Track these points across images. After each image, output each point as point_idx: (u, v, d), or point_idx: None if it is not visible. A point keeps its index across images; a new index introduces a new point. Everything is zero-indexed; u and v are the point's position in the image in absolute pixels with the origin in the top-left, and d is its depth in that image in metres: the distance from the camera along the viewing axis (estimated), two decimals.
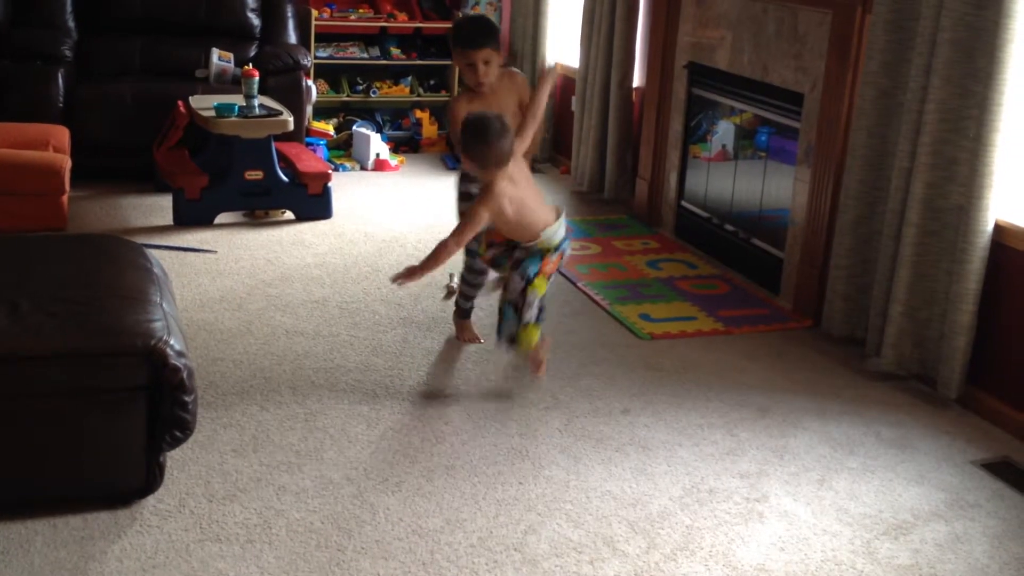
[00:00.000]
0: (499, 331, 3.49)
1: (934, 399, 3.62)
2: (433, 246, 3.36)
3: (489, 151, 3.25)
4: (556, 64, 3.33)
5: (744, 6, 4.65)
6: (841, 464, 3.17)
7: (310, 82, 6.27)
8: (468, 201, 3.66)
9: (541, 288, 3.42)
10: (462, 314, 4.01)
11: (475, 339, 3.97)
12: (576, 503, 2.89)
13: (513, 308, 3.43)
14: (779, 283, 4.53)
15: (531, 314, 3.41)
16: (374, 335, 3.97)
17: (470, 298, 3.99)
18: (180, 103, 5.48)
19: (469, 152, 3.30)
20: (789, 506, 2.92)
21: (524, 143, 3.45)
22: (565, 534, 2.74)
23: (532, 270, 3.40)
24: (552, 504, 2.87)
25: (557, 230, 3.43)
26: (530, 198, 3.38)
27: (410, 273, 3.34)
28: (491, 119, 3.28)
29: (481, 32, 3.64)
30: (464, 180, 3.85)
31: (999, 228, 3.43)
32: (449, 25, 7.06)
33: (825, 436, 3.34)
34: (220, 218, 5.25)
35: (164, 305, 2.93)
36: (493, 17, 7.10)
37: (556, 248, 3.45)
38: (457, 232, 3.32)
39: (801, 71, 4.30)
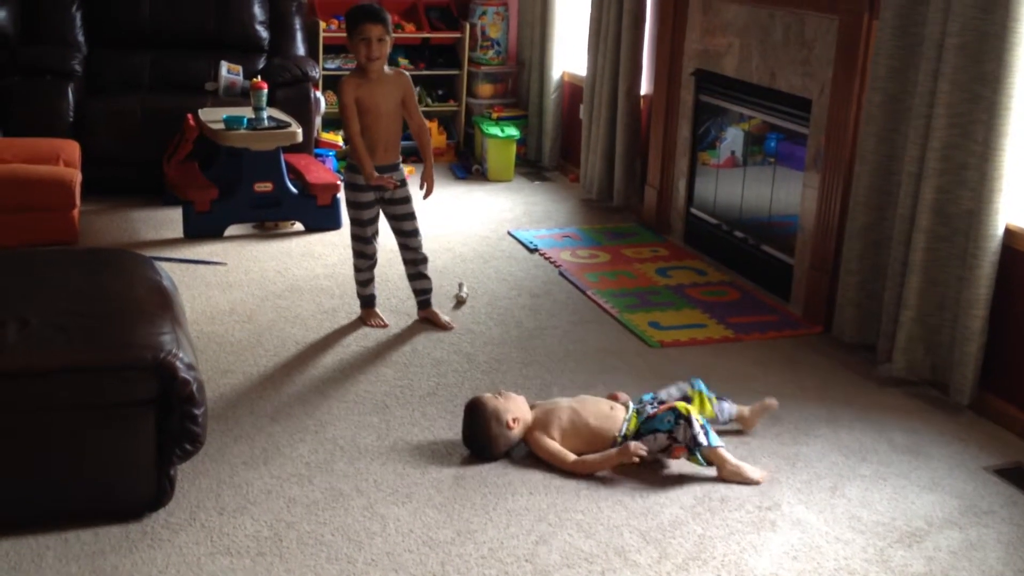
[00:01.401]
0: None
1: (946, 405, 3.60)
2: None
3: (499, 439, 3.13)
4: None
5: (751, 13, 4.65)
6: (853, 471, 3.15)
7: (319, 94, 6.28)
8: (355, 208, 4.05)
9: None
10: (366, 302, 4.22)
11: (381, 324, 4.16)
12: (587, 513, 2.88)
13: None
14: (789, 289, 4.52)
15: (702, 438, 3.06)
16: (383, 345, 3.97)
17: (367, 283, 4.19)
18: (189, 116, 5.50)
19: (492, 455, 3.15)
20: (801, 514, 2.91)
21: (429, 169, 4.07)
22: (576, 544, 2.73)
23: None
24: (563, 514, 2.87)
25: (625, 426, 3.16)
26: (585, 415, 3.16)
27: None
28: (473, 430, 3.15)
29: (375, 12, 3.87)
30: (351, 188, 4.05)
31: (1009, 232, 3.42)
32: (457, 35, 7.08)
33: (837, 443, 3.32)
34: (230, 230, 5.26)
35: (173, 318, 2.94)
36: (500, 27, 7.12)
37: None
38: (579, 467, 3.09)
39: (809, 77, 4.29)
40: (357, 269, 4.18)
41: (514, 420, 3.13)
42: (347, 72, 6.55)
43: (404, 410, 3.45)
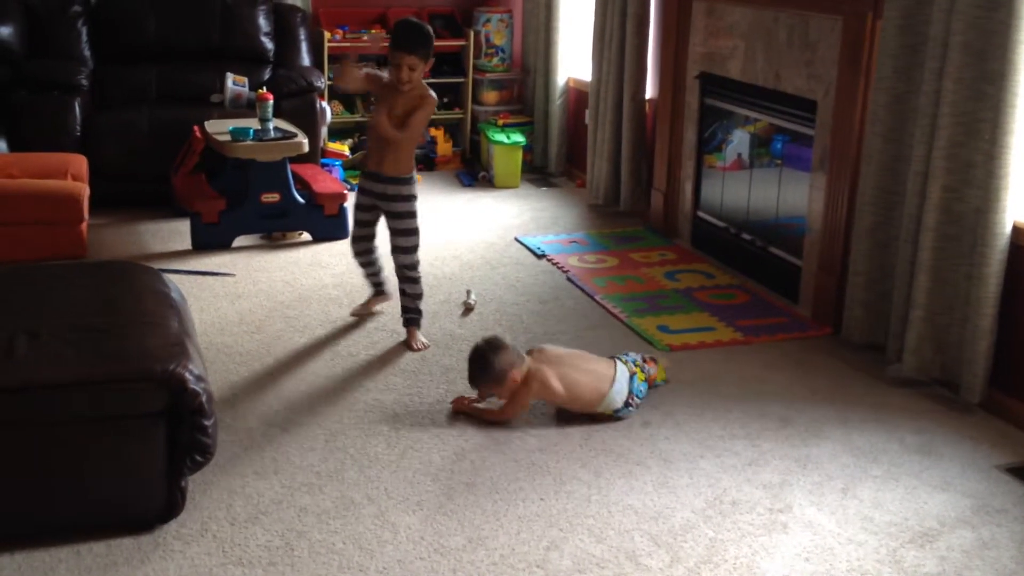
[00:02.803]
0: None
1: (957, 404, 3.59)
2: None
3: (507, 355, 3.38)
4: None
5: (755, 15, 4.65)
6: (865, 472, 3.14)
7: (324, 103, 6.30)
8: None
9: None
10: (373, 290, 4.36)
11: (366, 311, 4.35)
12: (598, 518, 2.87)
13: None
14: (798, 291, 4.51)
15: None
16: (392, 354, 3.97)
17: (368, 276, 4.32)
18: (196, 128, 5.52)
19: (488, 382, 3.41)
20: (813, 516, 2.90)
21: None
22: (587, 549, 2.73)
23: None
24: (574, 519, 2.86)
25: (614, 398, 3.42)
26: (577, 372, 3.43)
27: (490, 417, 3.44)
28: (479, 349, 3.43)
29: (411, 40, 3.80)
30: (358, 189, 4.12)
31: (1017, 230, 3.41)
32: (461, 43, 7.10)
33: (848, 444, 3.31)
34: (238, 241, 5.28)
35: (182, 330, 2.95)
36: (504, 34, 7.13)
37: (614, 415, 3.46)
38: (507, 413, 3.42)
39: (814, 78, 4.29)
40: (358, 263, 4.31)
41: (514, 379, 3.37)
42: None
43: (414, 418, 3.45)
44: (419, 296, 4.09)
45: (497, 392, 3.42)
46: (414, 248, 4.02)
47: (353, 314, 4.32)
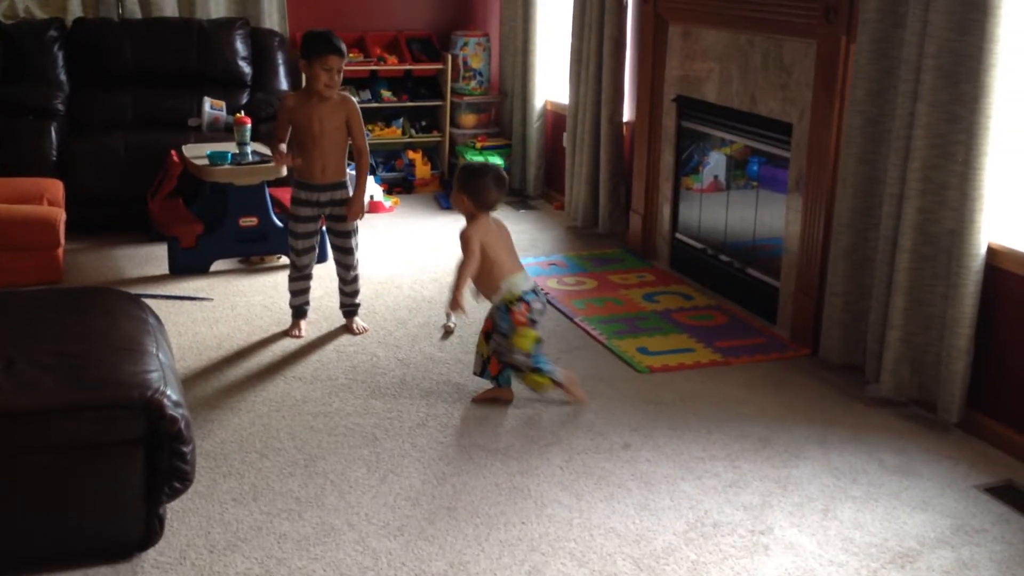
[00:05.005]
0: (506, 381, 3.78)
1: (935, 424, 3.61)
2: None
3: (488, 193, 3.62)
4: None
5: (730, 39, 4.69)
6: (845, 493, 3.15)
7: None
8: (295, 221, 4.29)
9: (523, 344, 3.61)
10: (295, 313, 4.44)
11: (296, 335, 4.37)
12: (580, 541, 2.87)
13: (512, 368, 3.71)
14: (776, 312, 4.53)
15: (524, 365, 3.65)
16: (372, 377, 3.96)
17: (297, 294, 4.43)
18: (173, 152, 5.51)
19: (471, 189, 3.61)
20: (794, 537, 2.90)
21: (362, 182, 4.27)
22: (570, 574, 2.72)
23: (504, 326, 3.63)
24: (556, 543, 2.86)
25: (520, 282, 3.66)
26: (501, 245, 3.69)
27: (454, 302, 3.59)
28: (494, 170, 3.67)
29: (341, 47, 4.09)
30: (292, 201, 4.31)
31: (992, 251, 3.44)
32: (439, 66, 7.12)
33: (827, 465, 3.32)
34: (216, 265, 5.26)
35: (160, 355, 2.93)
36: (482, 57, 7.16)
37: (519, 298, 3.64)
38: (464, 262, 3.61)
39: (789, 101, 4.32)
40: (289, 278, 4.43)
41: (462, 200, 3.63)
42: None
43: (394, 442, 3.44)
44: (359, 291, 4.46)
45: (451, 198, 3.76)
46: (358, 246, 4.39)
47: (293, 335, 4.39)
